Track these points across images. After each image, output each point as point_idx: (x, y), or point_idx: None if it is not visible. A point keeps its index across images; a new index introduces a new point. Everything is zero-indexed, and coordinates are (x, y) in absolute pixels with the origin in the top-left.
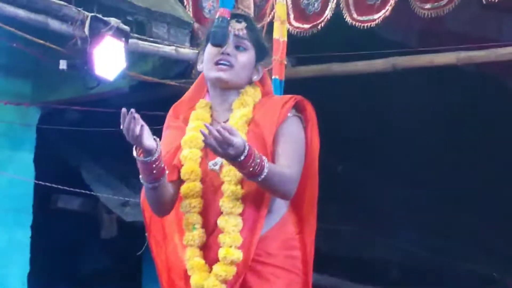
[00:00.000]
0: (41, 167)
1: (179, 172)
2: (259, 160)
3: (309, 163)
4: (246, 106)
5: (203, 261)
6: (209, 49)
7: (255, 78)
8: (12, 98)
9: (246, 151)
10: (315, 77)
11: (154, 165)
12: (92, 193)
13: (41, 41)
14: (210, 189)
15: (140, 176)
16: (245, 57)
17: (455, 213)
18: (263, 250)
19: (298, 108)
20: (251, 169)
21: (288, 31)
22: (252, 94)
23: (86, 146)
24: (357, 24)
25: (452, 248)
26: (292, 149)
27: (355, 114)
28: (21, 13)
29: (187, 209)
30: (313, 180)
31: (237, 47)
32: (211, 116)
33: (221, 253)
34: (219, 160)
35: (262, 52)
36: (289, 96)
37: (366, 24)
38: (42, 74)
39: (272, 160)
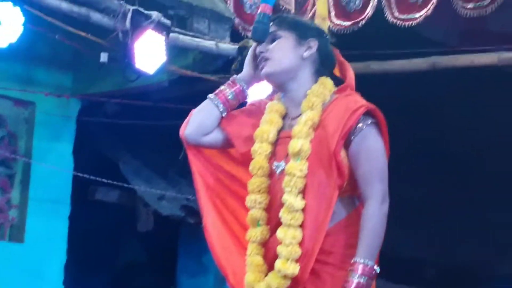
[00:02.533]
0: (80, 158)
1: (241, 139)
2: (367, 269)
3: None
4: (313, 109)
5: (262, 261)
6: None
7: (306, 54)
8: (53, 89)
9: None
10: (354, 75)
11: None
12: (129, 186)
13: (83, 34)
14: (276, 186)
15: (213, 96)
16: (278, 44)
17: (493, 214)
18: (323, 248)
19: (369, 115)
20: (374, 272)
21: (328, 28)
22: (320, 94)
23: (124, 139)
24: (398, 22)
25: (488, 250)
26: (374, 167)
27: (393, 113)
28: (64, 5)
29: (253, 204)
30: None
31: (271, 42)
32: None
33: (277, 265)
34: (282, 164)
35: (304, 29)
36: (361, 103)
37: (407, 23)
38: (83, 66)
39: (355, 176)
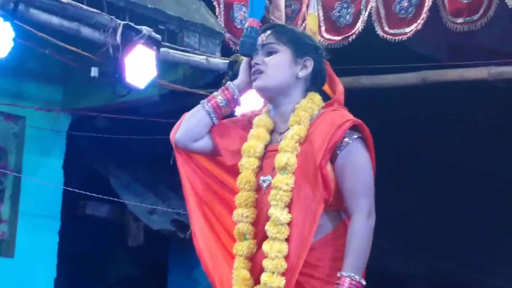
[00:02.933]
0: (70, 173)
1: (228, 150)
2: (354, 282)
3: None
4: (300, 123)
5: (248, 275)
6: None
7: (301, 74)
8: (43, 104)
9: None
10: (344, 89)
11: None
12: (120, 200)
13: (73, 48)
14: (263, 200)
15: (205, 103)
16: (275, 58)
17: (483, 228)
18: (308, 262)
19: (356, 130)
20: (360, 286)
21: (318, 42)
22: (308, 109)
23: (115, 154)
24: (388, 37)
25: (479, 264)
26: (360, 182)
27: (383, 127)
28: (54, 20)
29: (240, 218)
30: None
31: (268, 54)
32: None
33: (263, 278)
34: (269, 178)
35: (301, 47)
36: (347, 118)
37: (397, 38)
38: (73, 81)
39: (340, 190)
